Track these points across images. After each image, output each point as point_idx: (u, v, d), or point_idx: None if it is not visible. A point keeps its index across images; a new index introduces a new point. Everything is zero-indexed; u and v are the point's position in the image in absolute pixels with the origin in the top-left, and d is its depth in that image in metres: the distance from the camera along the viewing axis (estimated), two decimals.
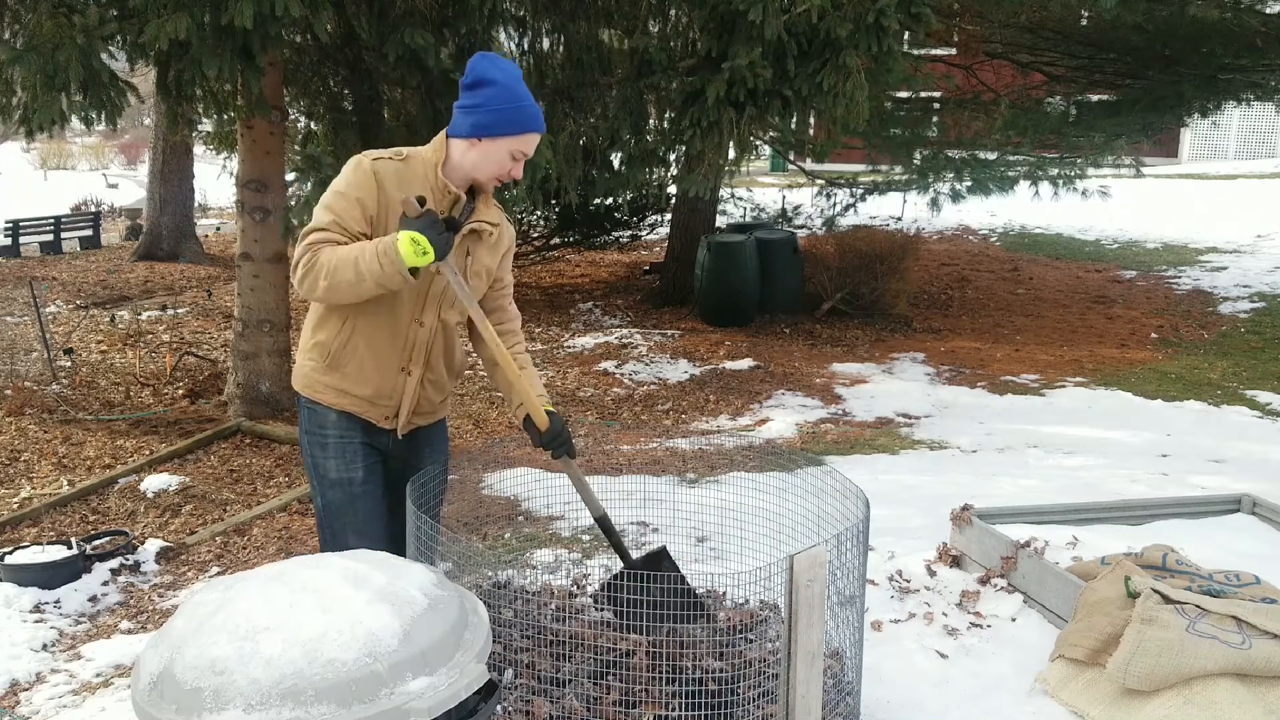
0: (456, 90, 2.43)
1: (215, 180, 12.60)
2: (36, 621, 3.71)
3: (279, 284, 6.48)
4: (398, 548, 2.62)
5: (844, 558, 2.27)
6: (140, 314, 9.88)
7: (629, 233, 13.61)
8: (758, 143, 10.18)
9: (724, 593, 3.00)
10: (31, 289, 8.11)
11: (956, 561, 3.44)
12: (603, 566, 3.34)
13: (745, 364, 8.05)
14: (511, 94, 2.32)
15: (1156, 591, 2.64)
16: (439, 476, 2.65)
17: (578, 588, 3.23)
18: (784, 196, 14.78)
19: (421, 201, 2.27)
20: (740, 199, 13.98)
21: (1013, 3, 8.43)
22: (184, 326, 9.46)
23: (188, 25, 4.49)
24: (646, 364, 8.19)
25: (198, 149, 12.70)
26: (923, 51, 10.68)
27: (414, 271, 2.21)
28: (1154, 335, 9.08)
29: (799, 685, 2.02)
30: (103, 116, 4.88)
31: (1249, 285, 10.89)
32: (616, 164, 6.72)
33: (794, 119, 7.59)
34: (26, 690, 3.23)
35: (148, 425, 6.28)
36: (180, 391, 7.03)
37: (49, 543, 4.17)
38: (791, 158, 12.32)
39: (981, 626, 3.07)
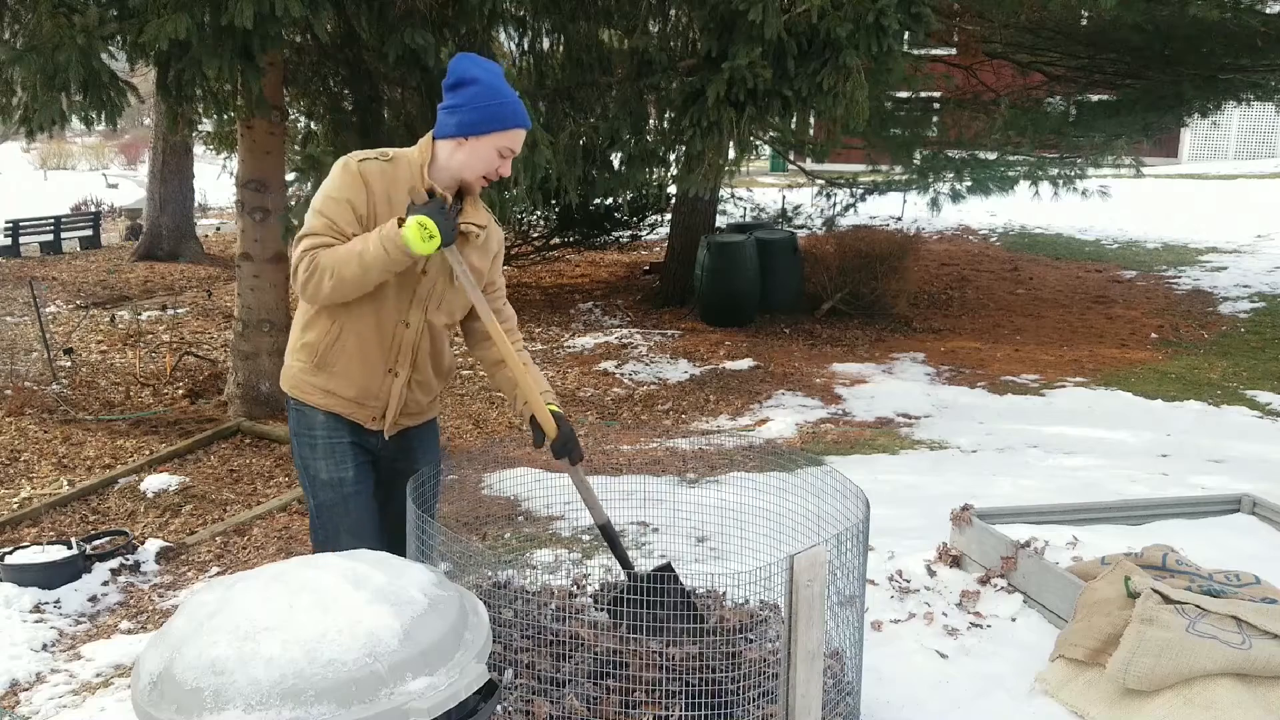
0: (444, 102, 2.43)
1: (215, 180, 12.62)
2: (36, 621, 3.71)
3: (279, 284, 6.48)
4: (390, 547, 2.62)
5: (844, 558, 2.27)
6: (140, 314, 9.88)
7: (629, 233, 13.61)
8: (758, 143, 10.18)
9: (724, 593, 3.00)
10: (31, 289, 8.11)
11: (956, 561, 3.44)
12: (602, 566, 3.34)
13: (745, 364, 8.05)
14: (494, 91, 2.33)
15: (1156, 591, 2.64)
16: (432, 476, 2.65)
17: (578, 588, 3.23)
18: (784, 196, 14.78)
19: (431, 192, 2.28)
20: (740, 199, 13.98)
21: (1013, 3, 8.43)
22: (184, 326, 9.46)
23: (188, 25, 4.49)
24: (646, 364, 8.19)
25: (198, 149, 12.70)
26: (923, 51, 10.67)
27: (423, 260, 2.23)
28: (1154, 335, 9.08)
29: (799, 685, 2.02)
30: (103, 116, 4.88)
31: (1249, 285, 10.90)
32: (616, 164, 6.72)
33: (794, 119, 7.60)
34: (26, 690, 3.23)
35: (148, 425, 6.28)
36: (180, 391, 7.03)
37: (49, 543, 4.17)
38: (791, 158, 12.34)
39: (981, 626, 3.07)
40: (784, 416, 6.56)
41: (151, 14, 4.58)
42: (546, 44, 6.98)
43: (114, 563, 4.18)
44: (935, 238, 14.83)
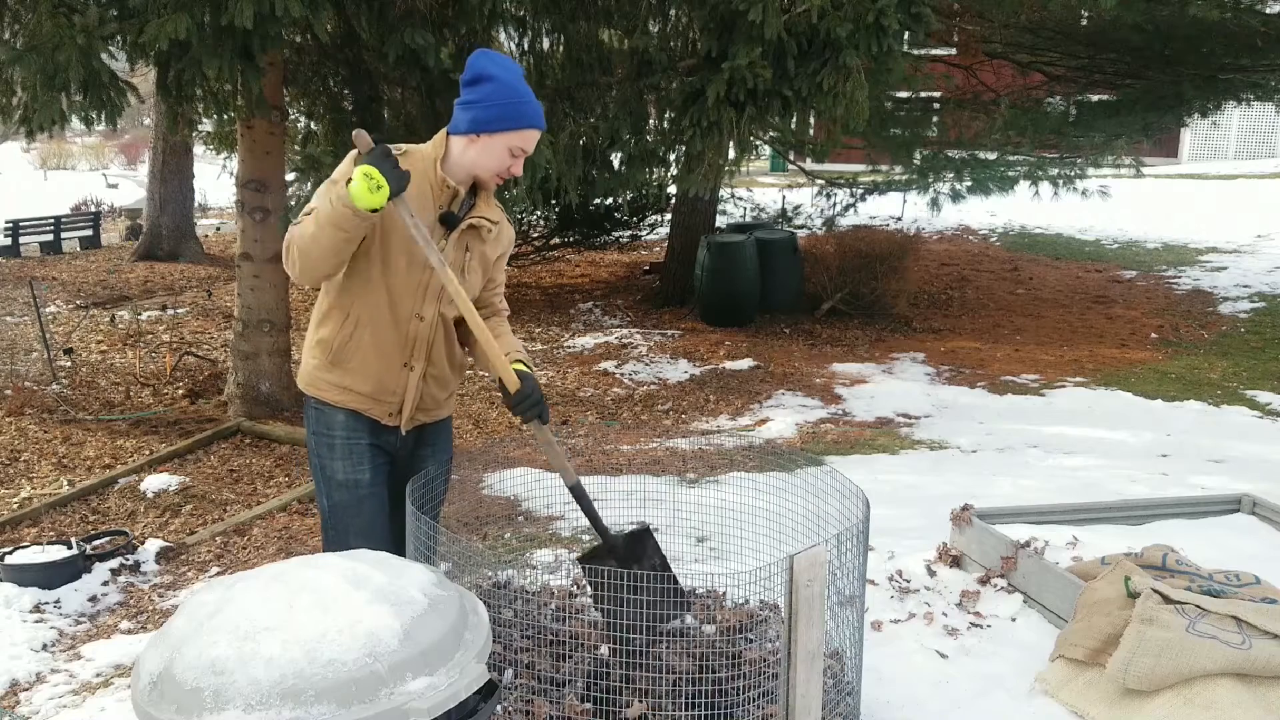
0: (456, 90, 2.43)
1: (215, 180, 12.61)
2: (36, 621, 3.71)
3: (279, 284, 6.48)
4: (400, 547, 2.62)
5: (844, 558, 2.27)
6: (140, 314, 9.88)
7: (629, 233, 13.61)
8: (758, 143, 10.18)
9: (724, 593, 3.00)
10: (31, 289, 8.11)
11: (956, 561, 3.44)
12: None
13: (745, 364, 8.05)
14: (511, 90, 2.32)
15: (1156, 591, 2.64)
16: (441, 476, 2.64)
17: (578, 588, 3.22)
18: (784, 196, 14.78)
19: (377, 141, 2.23)
20: (740, 199, 13.98)
21: (1013, 3, 8.42)
22: (184, 326, 9.46)
23: (188, 25, 4.49)
24: (646, 364, 8.19)
25: (198, 149, 12.69)
26: (923, 51, 10.67)
27: (377, 214, 2.18)
28: (1154, 335, 9.08)
29: (799, 685, 2.02)
30: (103, 116, 4.89)
31: (1249, 285, 10.90)
32: (616, 164, 6.72)
33: (794, 119, 7.60)
34: (26, 690, 3.23)
35: (148, 425, 6.28)
36: (180, 391, 7.03)
37: (49, 543, 4.17)
38: (791, 158, 12.34)
39: (981, 626, 3.07)
40: (784, 416, 6.56)
41: (151, 14, 4.58)
42: (546, 44, 6.98)
43: (114, 563, 4.18)
44: (935, 238, 14.83)
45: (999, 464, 5.40)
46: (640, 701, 2.30)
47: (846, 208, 11.83)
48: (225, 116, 7.11)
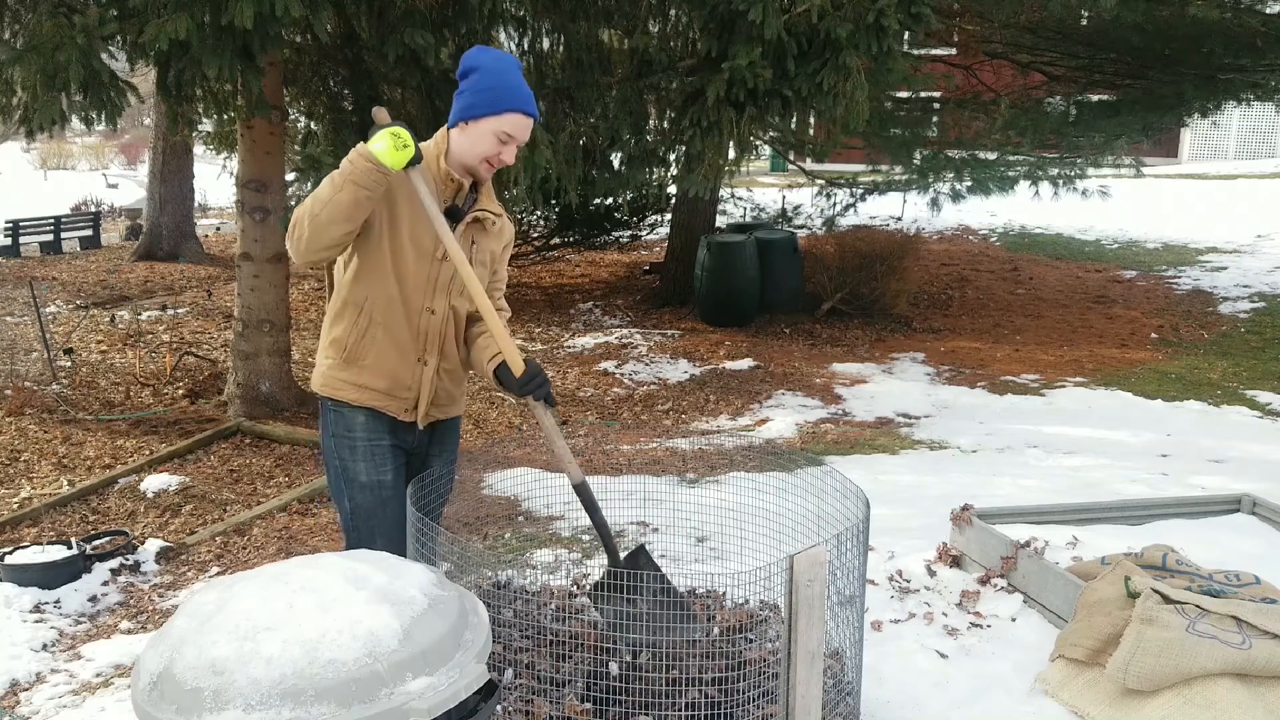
0: (456, 90, 2.45)
1: (215, 180, 12.60)
2: (36, 621, 3.71)
3: (279, 284, 6.48)
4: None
5: (844, 558, 2.27)
6: (140, 314, 9.88)
7: (629, 233, 13.61)
8: (758, 143, 10.18)
9: (724, 593, 3.00)
10: (31, 289, 8.11)
11: (956, 561, 3.44)
12: (602, 566, 3.34)
13: (745, 364, 8.05)
14: (495, 76, 2.34)
15: (1156, 591, 2.64)
16: (445, 476, 2.65)
17: (578, 588, 3.22)
18: (784, 196, 14.78)
19: (395, 119, 2.28)
20: (740, 199, 13.98)
21: (1013, 3, 8.42)
22: (184, 326, 9.46)
23: (188, 25, 4.49)
24: (646, 364, 8.19)
25: (198, 149, 12.68)
26: (923, 51, 10.68)
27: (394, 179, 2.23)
28: (1154, 335, 9.08)
29: (799, 685, 2.02)
30: (103, 116, 4.89)
31: (1249, 285, 10.89)
32: (616, 164, 6.72)
33: (794, 119, 7.59)
34: (26, 690, 3.23)
35: (148, 425, 6.28)
36: (180, 391, 7.03)
37: (49, 543, 4.17)
38: (791, 158, 12.32)
39: (981, 626, 3.07)
40: (784, 416, 6.56)
41: (151, 14, 4.58)
42: (546, 44, 6.98)
43: (114, 563, 4.18)
44: (935, 238, 14.83)
45: (999, 464, 5.40)
46: (646, 716, 2.29)
47: (846, 208, 11.83)
48: (225, 116, 7.11)
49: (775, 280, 9.81)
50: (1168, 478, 4.96)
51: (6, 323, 9.42)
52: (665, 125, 6.67)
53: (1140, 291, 11.09)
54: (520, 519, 4.53)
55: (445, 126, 2.45)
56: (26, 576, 3.90)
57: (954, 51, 11.35)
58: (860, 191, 11.51)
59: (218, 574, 4.23)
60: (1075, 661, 2.72)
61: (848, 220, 11.96)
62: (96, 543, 4.32)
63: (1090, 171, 11.15)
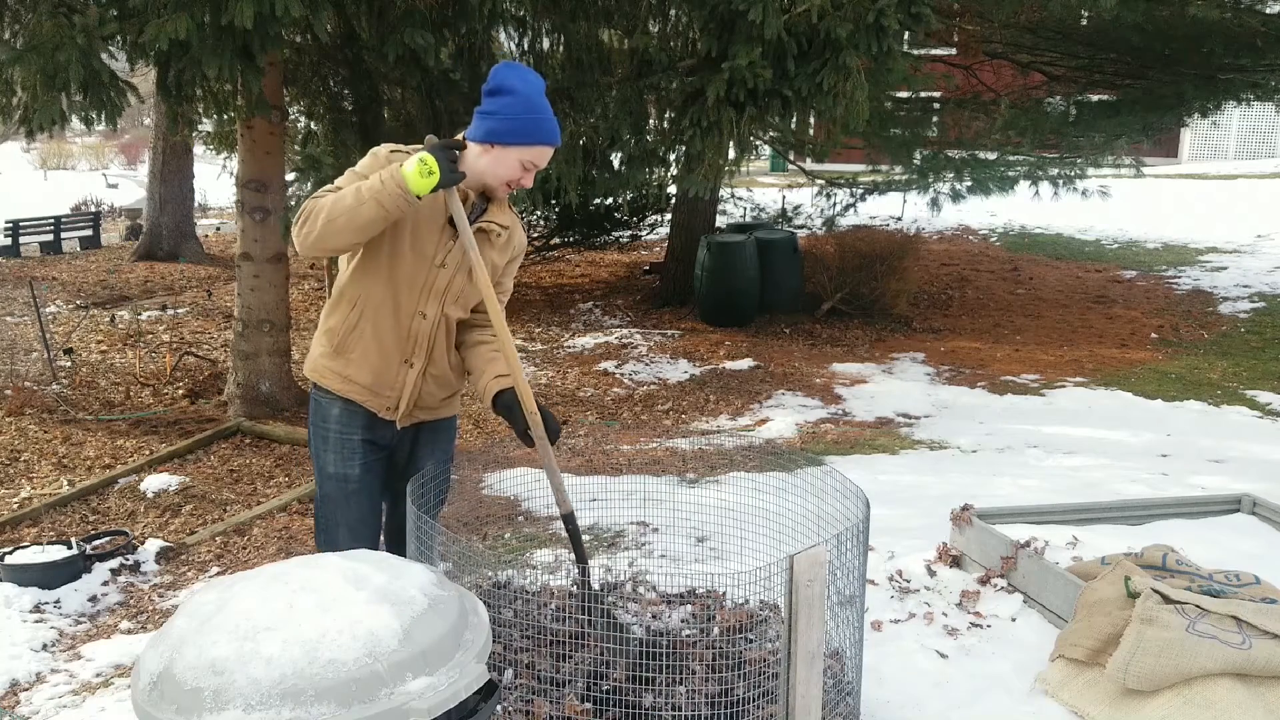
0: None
1: (215, 180, 12.60)
2: (36, 621, 3.71)
3: (279, 284, 6.48)
4: (398, 542, 2.63)
5: (844, 558, 2.27)
6: (140, 314, 9.88)
7: (629, 233, 13.61)
8: (758, 143, 10.18)
9: (724, 593, 3.00)
10: (31, 289, 8.11)
11: (956, 561, 3.44)
12: (602, 566, 3.34)
13: (745, 364, 8.05)
14: (528, 104, 2.34)
15: (1156, 591, 2.64)
16: (441, 475, 2.65)
17: (578, 588, 3.22)
18: (784, 196, 14.77)
19: (448, 143, 2.31)
20: (740, 199, 13.98)
21: (1013, 3, 8.42)
22: (184, 326, 9.46)
23: (188, 25, 4.49)
24: (646, 364, 8.19)
25: (198, 149, 12.68)
26: (923, 51, 10.67)
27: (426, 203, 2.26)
28: (1154, 335, 9.08)
29: (799, 685, 2.02)
30: (103, 116, 4.89)
31: (1249, 285, 10.89)
32: (616, 164, 6.72)
33: (794, 119, 7.60)
34: (26, 690, 3.23)
35: (148, 425, 6.28)
36: (180, 391, 7.03)
37: (49, 543, 4.17)
38: (791, 158, 12.32)
39: (981, 626, 3.07)
40: (784, 416, 6.56)
41: (151, 14, 4.58)
42: (546, 44, 6.98)
43: (114, 563, 4.18)
44: (935, 238, 14.83)
45: (999, 464, 5.40)
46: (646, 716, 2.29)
47: (846, 208, 11.83)
48: (225, 116, 7.11)
49: (775, 280, 9.81)
50: (1168, 478, 4.96)
51: (6, 323, 9.42)
52: (665, 125, 6.67)
53: (1140, 291, 11.09)
54: (520, 519, 4.53)
55: (461, 136, 2.44)
56: (26, 576, 3.90)
57: (954, 51, 11.35)
58: (860, 191, 11.51)
59: (218, 574, 4.23)
60: (1075, 661, 2.72)
61: (848, 220, 11.96)
62: (96, 543, 4.32)
63: (1090, 171, 11.15)
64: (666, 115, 6.61)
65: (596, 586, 2.67)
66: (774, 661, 2.48)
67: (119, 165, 37.80)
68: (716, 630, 2.73)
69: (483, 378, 2.49)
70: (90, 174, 33.36)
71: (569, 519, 2.56)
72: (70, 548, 4.08)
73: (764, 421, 6.52)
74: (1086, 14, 9.42)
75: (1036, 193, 10.85)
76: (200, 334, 9.16)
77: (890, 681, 2.78)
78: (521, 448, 2.78)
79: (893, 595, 3.28)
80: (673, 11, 7.04)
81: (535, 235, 12.90)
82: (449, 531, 2.43)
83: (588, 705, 2.31)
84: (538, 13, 6.55)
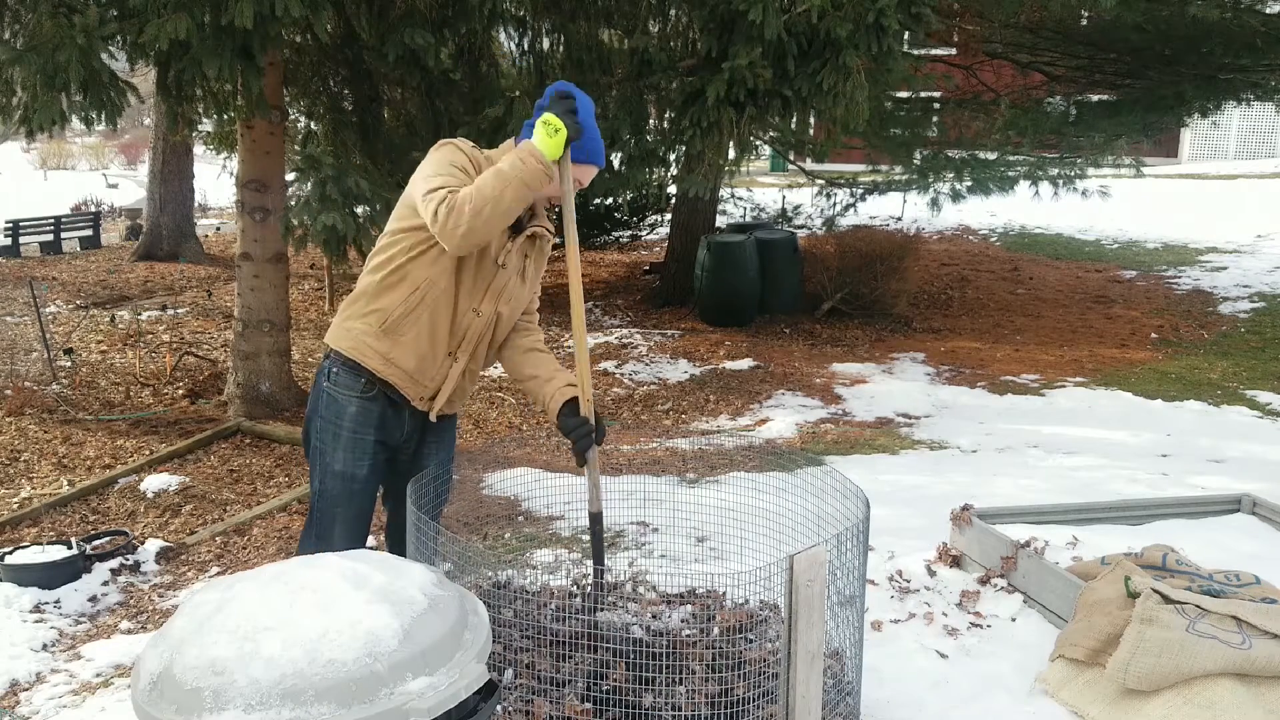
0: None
1: (215, 180, 12.61)
2: (36, 621, 3.71)
3: (279, 284, 6.48)
4: (399, 540, 2.64)
5: (844, 558, 2.27)
6: (140, 314, 9.88)
7: (629, 233, 13.61)
8: (758, 143, 10.18)
9: (724, 593, 3.00)
10: (31, 289, 8.11)
11: (956, 561, 3.44)
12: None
13: (745, 364, 8.05)
14: (589, 125, 2.40)
15: (1156, 591, 2.64)
16: (444, 474, 2.66)
17: (577, 588, 3.22)
18: (784, 196, 14.78)
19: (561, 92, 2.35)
20: (740, 199, 13.97)
21: (1013, 3, 8.42)
22: (184, 326, 9.46)
23: (188, 25, 4.49)
24: (646, 364, 8.19)
25: (198, 149, 12.69)
26: (923, 51, 10.67)
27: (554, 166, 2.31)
28: (1154, 335, 9.08)
29: (799, 685, 2.02)
30: (103, 116, 4.89)
31: (1249, 285, 10.89)
32: (617, 164, 6.72)
33: (794, 119, 7.59)
34: (26, 690, 3.23)
35: (148, 425, 6.28)
36: (180, 391, 7.03)
37: (49, 543, 4.17)
38: (791, 158, 12.33)
39: (981, 626, 3.07)
40: (784, 416, 6.56)
41: (151, 14, 4.58)
42: (546, 44, 6.98)
43: (114, 563, 4.18)
44: (935, 238, 14.83)
45: (999, 464, 5.40)
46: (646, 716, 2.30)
47: (846, 208, 11.83)
48: (225, 116, 7.11)
49: (775, 280, 9.81)
50: (1168, 478, 4.96)
51: (6, 323, 9.42)
52: (665, 125, 6.67)
53: (1140, 291, 11.09)
54: (520, 519, 4.53)
55: (512, 141, 2.49)
56: (26, 576, 3.90)
57: (954, 51, 11.35)
58: (860, 191, 11.51)
59: (218, 574, 4.23)
60: (1075, 661, 2.72)
61: (848, 220, 11.96)
62: (96, 543, 4.32)
63: (1090, 171, 11.14)
64: (666, 115, 6.61)
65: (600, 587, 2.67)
66: (774, 661, 2.48)
67: (119, 165, 37.80)
68: (716, 630, 2.73)
69: (550, 384, 2.56)
70: (90, 174, 33.35)
71: (597, 518, 2.61)
72: (70, 548, 4.08)
73: (764, 421, 6.52)
74: (1086, 14, 9.42)
75: (1036, 193, 10.85)
76: (200, 334, 9.16)
77: (890, 681, 2.78)
78: (522, 448, 2.80)
79: (893, 595, 3.28)
80: (673, 11, 7.04)
81: None
82: (449, 531, 2.43)
83: (588, 705, 2.31)
84: (538, 13, 6.55)
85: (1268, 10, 8.46)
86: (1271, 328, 9.21)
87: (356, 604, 1.54)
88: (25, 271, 12.87)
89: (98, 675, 3.33)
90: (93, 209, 20.21)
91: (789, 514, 2.76)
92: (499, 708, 2.25)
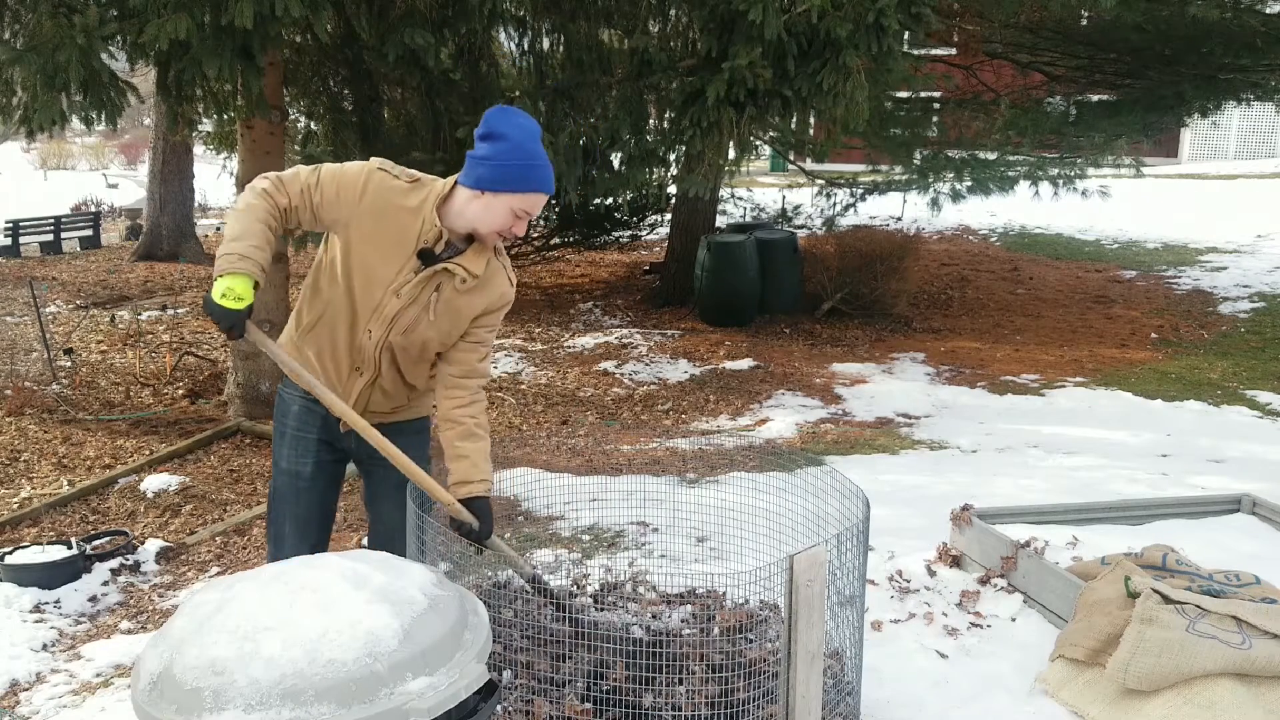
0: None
1: (215, 180, 12.59)
2: (36, 621, 3.71)
3: (279, 284, 6.48)
4: (390, 545, 2.62)
5: (844, 558, 2.28)
6: (140, 314, 9.88)
7: (629, 233, 13.59)
8: (758, 143, 10.18)
9: (724, 593, 3.00)
10: (31, 289, 8.11)
11: (956, 561, 3.44)
12: (603, 566, 3.34)
13: (745, 364, 8.04)
14: (521, 152, 2.28)
15: (1156, 591, 2.64)
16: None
17: (577, 588, 3.22)
18: (784, 196, 14.77)
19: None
20: (740, 199, 13.97)
21: (1013, 3, 8.42)
22: (184, 326, 9.46)
23: (188, 25, 4.49)
24: (646, 364, 8.19)
25: (198, 149, 12.68)
26: (923, 51, 10.67)
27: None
28: (1154, 335, 9.08)
29: (799, 685, 2.02)
30: (103, 116, 4.89)
31: (1249, 285, 10.89)
32: (616, 164, 6.72)
33: (794, 119, 7.60)
34: (26, 690, 3.23)
35: (148, 425, 6.28)
36: (180, 391, 7.03)
37: (49, 543, 4.17)
38: (791, 158, 12.32)
39: (981, 626, 3.07)
40: (784, 416, 6.56)
41: (151, 14, 4.58)
42: (546, 44, 6.98)
43: (114, 563, 4.18)
44: (935, 238, 14.83)
45: (999, 464, 5.40)
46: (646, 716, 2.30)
47: (846, 208, 11.83)
48: (225, 116, 7.11)
49: (775, 280, 9.81)
50: (1168, 478, 4.96)
51: (6, 323, 9.42)
52: (665, 125, 6.67)
53: (1140, 291, 11.09)
54: (520, 519, 4.53)
55: (455, 178, 2.38)
56: (26, 576, 3.90)
57: (954, 51, 11.35)
58: (860, 191, 11.51)
59: (218, 574, 4.23)
60: (1075, 661, 2.72)
61: (848, 220, 11.96)
62: (96, 543, 4.32)
63: (1090, 171, 11.14)
64: (666, 115, 6.61)
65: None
66: (774, 661, 2.48)
67: (119, 165, 37.79)
68: (716, 630, 2.73)
69: (449, 475, 2.47)
70: (90, 174, 33.35)
71: (534, 580, 2.60)
72: (70, 548, 4.08)
73: (764, 421, 6.52)
74: (1086, 14, 9.42)
75: (1036, 193, 10.84)
76: (200, 334, 9.16)
77: (890, 681, 2.78)
78: (522, 448, 2.79)
79: (893, 595, 3.28)
80: (673, 11, 7.04)
81: (535, 235, 12.90)
82: (449, 531, 2.43)
83: (588, 705, 2.31)
84: (538, 13, 6.55)
85: (1268, 10, 8.47)
86: (1271, 328, 9.21)
87: (356, 604, 1.54)
88: (25, 271, 12.87)
89: (98, 675, 3.32)
90: (93, 209, 20.20)
91: (789, 514, 2.76)
92: (499, 708, 2.25)
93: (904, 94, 10.56)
